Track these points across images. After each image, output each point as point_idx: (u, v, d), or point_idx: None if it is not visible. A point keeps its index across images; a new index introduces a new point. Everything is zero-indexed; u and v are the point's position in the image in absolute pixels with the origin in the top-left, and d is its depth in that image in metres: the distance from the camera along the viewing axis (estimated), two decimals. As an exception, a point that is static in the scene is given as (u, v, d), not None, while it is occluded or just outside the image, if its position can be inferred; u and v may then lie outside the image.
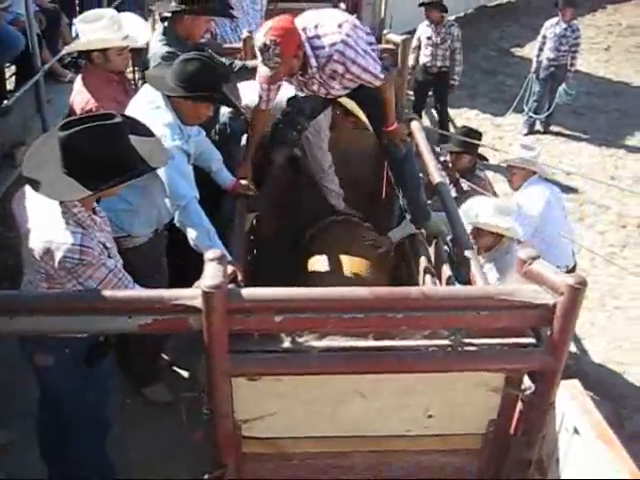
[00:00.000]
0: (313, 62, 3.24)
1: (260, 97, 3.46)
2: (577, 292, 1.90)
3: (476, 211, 3.87)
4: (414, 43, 8.36)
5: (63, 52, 4.11)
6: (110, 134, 2.40)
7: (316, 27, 3.23)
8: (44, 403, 3.03)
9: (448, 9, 9.29)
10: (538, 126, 9.44)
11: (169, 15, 3.77)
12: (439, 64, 8.35)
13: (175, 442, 3.45)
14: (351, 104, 3.72)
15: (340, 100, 3.68)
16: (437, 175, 3.64)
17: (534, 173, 4.85)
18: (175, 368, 4.22)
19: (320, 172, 4.11)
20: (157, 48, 3.73)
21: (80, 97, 3.76)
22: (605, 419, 2.02)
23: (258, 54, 3.16)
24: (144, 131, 2.66)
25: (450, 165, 5.23)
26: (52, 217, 2.44)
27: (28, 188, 2.53)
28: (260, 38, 3.10)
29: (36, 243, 2.44)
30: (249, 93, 3.64)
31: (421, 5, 8.37)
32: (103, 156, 2.37)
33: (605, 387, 5.23)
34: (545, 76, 9.16)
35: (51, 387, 2.86)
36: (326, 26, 3.24)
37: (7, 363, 3.67)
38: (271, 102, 3.49)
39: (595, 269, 6.41)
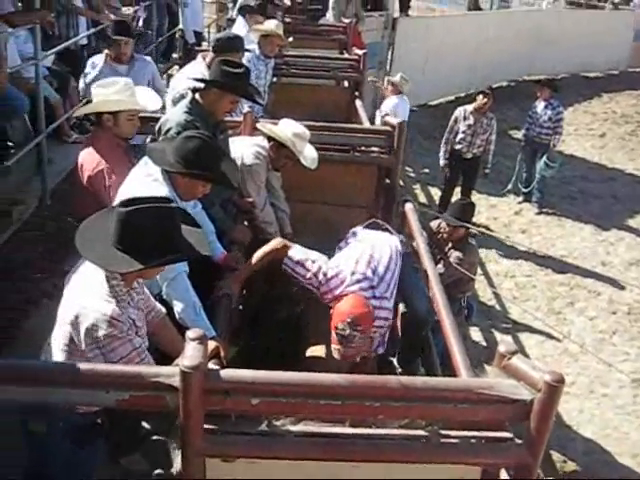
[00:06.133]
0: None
1: (304, 275, 3.47)
2: (555, 390, 1.90)
3: None
4: (450, 123, 8.59)
5: (76, 113, 4.22)
6: (167, 216, 2.52)
7: (379, 299, 3.39)
8: (29, 471, 2.97)
9: (449, 90, 9.46)
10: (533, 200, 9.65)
11: (199, 87, 3.86)
12: (474, 151, 8.49)
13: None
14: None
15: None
16: (429, 265, 3.71)
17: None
18: (155, 437, 4.15)
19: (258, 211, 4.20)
20: (178, 115, 3.78)
21: (90, 158, 3.86)
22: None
23: (336, 339, 3.19)
24: (191, 222, 2.78)
25: (445, 236, 5.41)
26: (91, 286, 2.51)
27: (79, 266, 2.64)
28: (344, 329, 3.14)
29: (69, 308, 2.51)
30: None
31: (479, 93, 8.60)
32: (158, 235, 2.48)
33: (593, 478, 5.16)
34: (528, 151, 9.48)
35: (39, 455, 2.82)
36: (384, 300, 3.42)
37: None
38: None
39: (584, 355, 6.40)
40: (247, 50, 5.48)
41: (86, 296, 2.50)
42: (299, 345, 3.91)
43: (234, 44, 4.98)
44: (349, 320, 3.15)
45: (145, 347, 2.60)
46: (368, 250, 3.56)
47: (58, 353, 2.59)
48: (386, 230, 3.93)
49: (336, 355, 3.23)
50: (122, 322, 2.47)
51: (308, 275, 3.44)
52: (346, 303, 3.28)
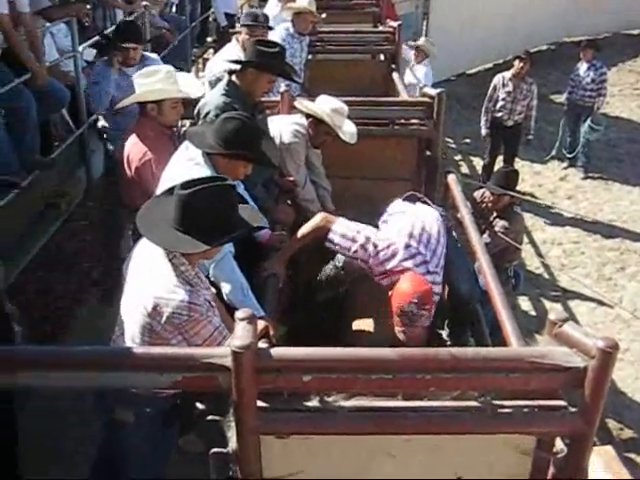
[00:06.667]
0: None
1: (349, 248, 3.36)
2: (609, 356, 1.87)
3: None
4: (489, 92, 8.46)
5: (120, 104, 4.27)
6: (226, 195, 2.55)
7: (432, 274, 3.32)
8: (104, 457, 3.04)
9: (487, 57, 9.18)
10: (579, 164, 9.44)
11: (235, 69, 3.88)
12: (515, 118, 8.35)
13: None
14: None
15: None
16: (474, 236, 3.63)
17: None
18: (209, 417, 4.22)
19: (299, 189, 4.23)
20: (216, 98, 3.80)
21: (136, 148, 3.91)
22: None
23: (400, 321, 3.11)
24: (242, 199, 2.81)
25: (490, 205, 5.36)
26: (160, 274, 2.54)
27: (136, 249, 2.69)
28: (411, 309, 3.06)
29: (144, 299, 2.53)
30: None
31: (515, 58, 8.41)
32: (219, 215, 2.52)
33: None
34: (572, 115, 9.26)
35: (124, 443, 2.87)
36: (436, 275, 3.36)
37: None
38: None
39: (637, 321, 6.28)
40: (270, 27, 5.57)
41: (158, 286, 2.52)
42: (341, 324, 3.91)
43: (256, 16, 5.28)
44: (415, 300, 3.06)
45: (224, 325, 2.63)
46: (419, 223, 3.44)
47: (137, 342, 2.60)
48: (425, 203, 3.87)
49: (401, 337, 3.12)
50: (200, 305, 2.51)
51: (354, 247, 3.32)
52: (406, 283, 3.16)
